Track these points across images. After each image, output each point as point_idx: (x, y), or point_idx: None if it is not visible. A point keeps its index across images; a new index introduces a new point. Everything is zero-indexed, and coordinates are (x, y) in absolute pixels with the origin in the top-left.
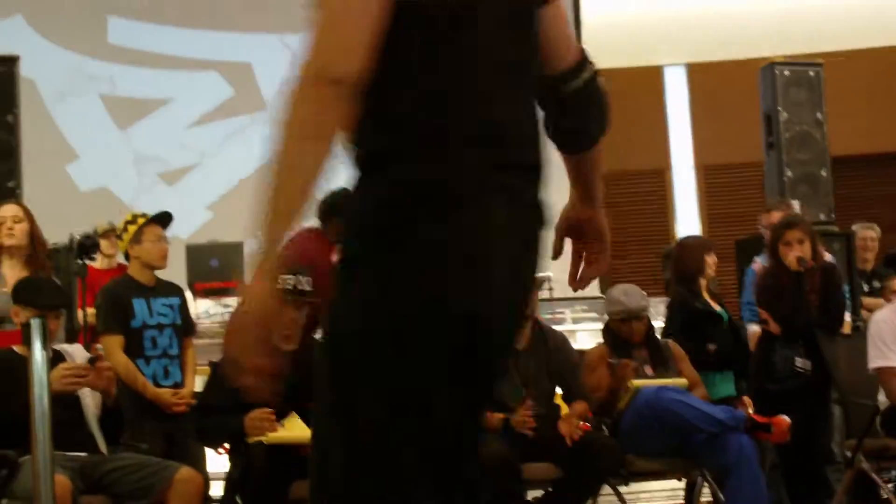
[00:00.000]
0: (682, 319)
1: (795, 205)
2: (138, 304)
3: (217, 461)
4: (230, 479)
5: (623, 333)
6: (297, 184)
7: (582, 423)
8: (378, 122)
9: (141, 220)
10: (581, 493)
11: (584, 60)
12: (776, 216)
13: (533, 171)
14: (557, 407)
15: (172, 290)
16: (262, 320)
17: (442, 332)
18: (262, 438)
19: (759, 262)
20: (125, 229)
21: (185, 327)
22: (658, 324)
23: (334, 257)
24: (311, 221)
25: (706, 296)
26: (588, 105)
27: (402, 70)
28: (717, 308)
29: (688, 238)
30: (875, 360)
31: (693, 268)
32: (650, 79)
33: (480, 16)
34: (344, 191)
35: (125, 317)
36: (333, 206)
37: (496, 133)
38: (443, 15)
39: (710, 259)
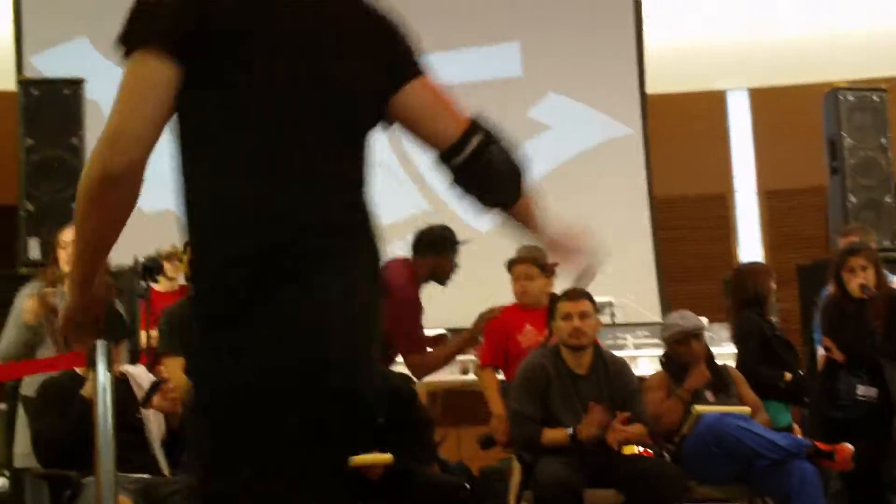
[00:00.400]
0: (757, 346)
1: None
2: None
3: None
4: None
5: (682, 354)
6: (84, 256)
7: (643, 449)
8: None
9: None
10: None
11: (469, 131)
12: (853, 240)
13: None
14: None
15: None
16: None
17: (284, 398)
18: None
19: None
20: (185, 252)
21: None
22: (718, 350)
23: (415, 291)
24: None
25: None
26: (484, 175)
27: (193, 158)
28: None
29: (748, 263)
30: None
31: (759, 293)
32: (713, 104)
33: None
34: (442, 228)
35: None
36: (429, 242)
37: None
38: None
39: (772, 285)
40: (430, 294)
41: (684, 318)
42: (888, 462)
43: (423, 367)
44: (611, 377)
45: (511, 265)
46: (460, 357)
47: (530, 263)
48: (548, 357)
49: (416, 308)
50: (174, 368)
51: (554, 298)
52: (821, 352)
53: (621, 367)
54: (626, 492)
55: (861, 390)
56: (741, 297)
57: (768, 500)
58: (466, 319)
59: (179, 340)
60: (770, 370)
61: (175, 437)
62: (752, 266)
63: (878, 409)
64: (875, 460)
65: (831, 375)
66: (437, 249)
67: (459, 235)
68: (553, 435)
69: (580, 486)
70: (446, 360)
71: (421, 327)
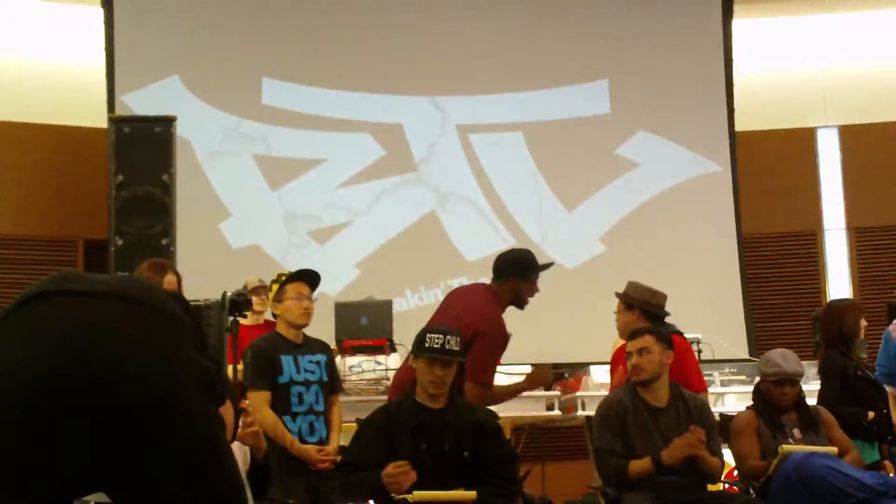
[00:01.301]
0: (838, 385)
1: None
2: (286, 361)
3: None
4: None
5: (774, 396)
6: None
7: (729, 486)
8: None
9: (282, 278)
10: None
11: None
12: None
13: None
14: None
15: (319, 347)
16: None
17: None
18: (409, 497)
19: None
20: (271, 287)
21: (332, 384)
22: (808, 388)
23: (502, 320)
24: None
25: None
26: None
27: None
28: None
29: (837, 300)
30: None
31: (845, 330)
32: (802, 141)
33: None
34: (522, 251)
35: (273, 373)
36: (510, 265)
37: None
38: None
39: (863, 323)
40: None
41: (786, 360)
42: None
43: (478, 400)
44: (689, 410)
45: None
46: (546, 393)
47: (620, 299)
48: (625, 394)
49: (501, 339)
50: (259, 403)
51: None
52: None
53: (701, 402)
54: None
55: None
56: (827, 334)
57: None
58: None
59: (266, 373)
60: (852, 409)
61: (258, 469)
62: (840, 303)
63: None
64: None
65: None
66: (518, 273)
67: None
68: (639, 466)
69: None
70: (501, 399)
71: (497, 360)
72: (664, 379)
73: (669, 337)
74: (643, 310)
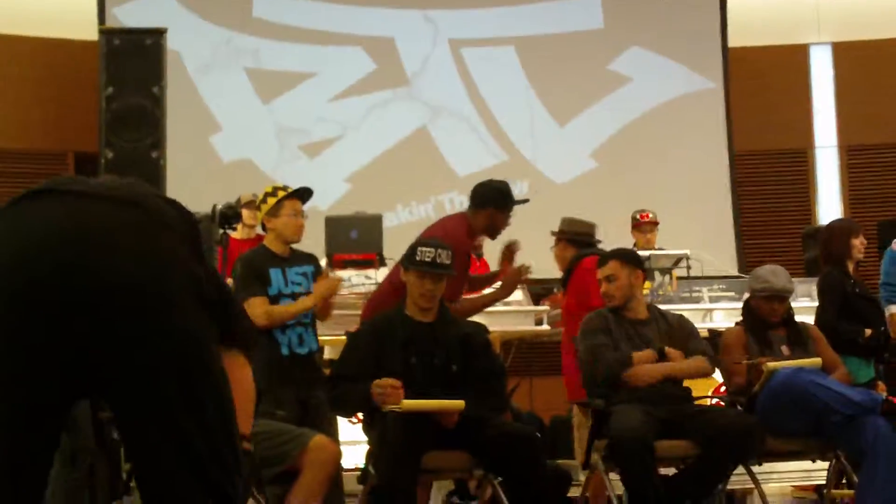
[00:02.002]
0: (837, 302)
1: None
2: (274, 273)
3: (352, 431)
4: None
5: (763, 312)
6: None
7: (717, 401)
8: None
9: (281, 193)
10: (722, 473)
11: None
12: None
13: None
14: (689, 389)
15: (307, 258)
16: None
17: None
18: (396, 407)
19: None
20: (264, 200)
21: None
22: (797, 305)
23: (468, 244)
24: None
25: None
26: None
27: None
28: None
29: (836, 221)
30: None
31: (843, 250)
32: (795, 58)
33: None
34: (499, 183)
35: (263, 283)
36: (486, 196)
37: None
38: None
39: (858, 242)
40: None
41: (776, 276)
42: None
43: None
44: (670, 323)
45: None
46: (535, 308)
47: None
48: (607, 311)
49: (464, 257)
50: (258, 305)
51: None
52: (891, 308)
53: (677, 315)
54: (702, 443)
55: None
56: (826, 253)
57: (841, 454)
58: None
59: (257, 282)
60: (850, 326)
61: None
62: (840, 224)
63: None
64: None
65: None
66: (494, 203)
67: (517, 193)
68: (642, 355)
69: (652, 437)
70: (474, 311)
71: (462, 278)
72: (639, 297)
73: (636, 257)
74: (569, 240)
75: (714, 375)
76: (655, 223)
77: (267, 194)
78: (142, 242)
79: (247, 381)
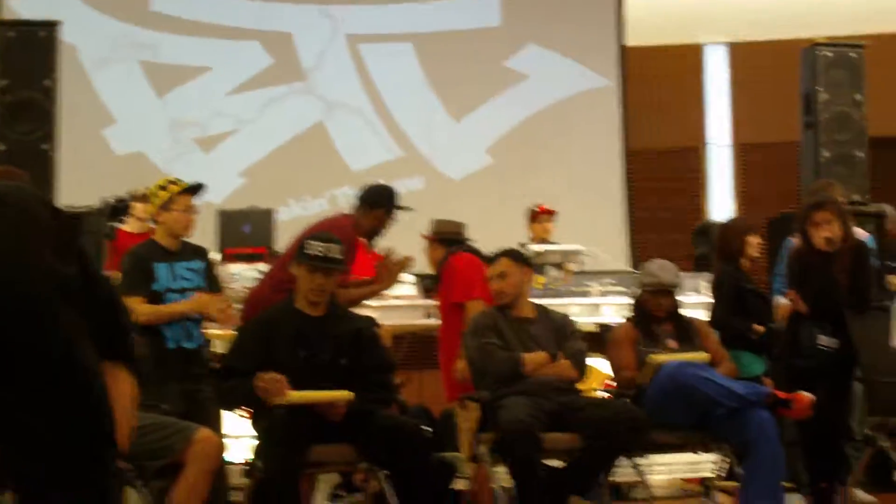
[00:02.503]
0: (731, 298)
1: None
2: (161, 269)
3: (241, 425)
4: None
5: (650, 306)
6: None
7: (608, 395)
8: None
9: (173, 188)
10: (604, 464)
11: None
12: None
13: None
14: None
15: (196, 253)
16: None
17: None
18: (282, 400)
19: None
20: (156, 194)
21: (209, 290)
22: (685, 300)
23: (352, 233)
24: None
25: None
26: None
27: None
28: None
29: (733, 219)
30: None
31: (739, 247)
32: (691, 57)
33: None
34: (384, 187)
35: (147, 280)
36: (368, 198)
37: None
38: None
39: (755, 240)
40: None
41: (664, 271)
42: (845, 411)
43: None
44: (554, 321)
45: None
46: (427, 302)
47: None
48: (495, 310)
49: (353, 257)
50: (136, 304)
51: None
52: (781, 301)
53: (561, 315)
54: (587, 435)
55: (823, 340)
56: (721, 250)
57: (726, 447)
58: None
59: (142, 279)
60: (742, 322)
61: None
62: (739, 224)
63: (840, 359)
64: (834, 409)
65: (795, 326)
66: (377, 205)
67: (402, 200)
68: (532, 357)
69: (540, 430)
70: (355, 300)
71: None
72: (527, 296)
73: (525, 256)
74: (438, 240)
75: (605, 370)
76: (552, 213)
77: (159, 187)
78: (5, 242)
79: (126, 397)
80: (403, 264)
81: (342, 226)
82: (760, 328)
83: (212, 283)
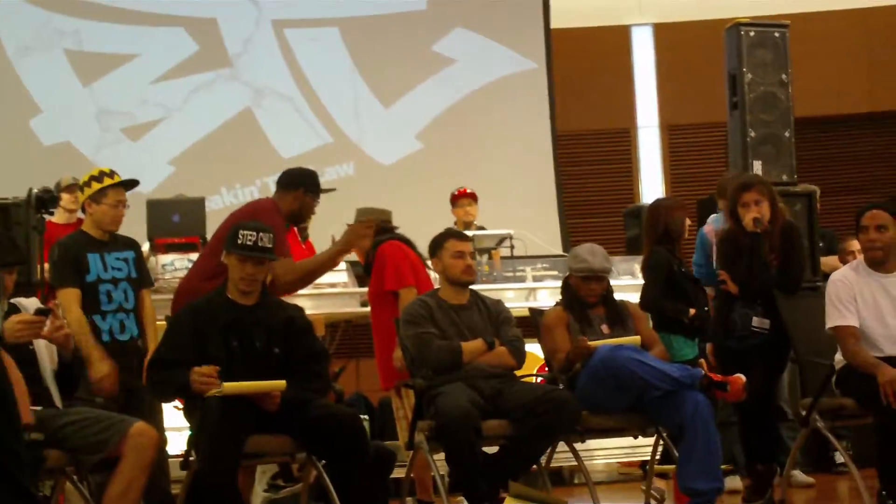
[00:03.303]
0: (662, 281)
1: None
2: (92, 259)
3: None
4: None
5: (581, 292)
6: None
7: (542, 379)
8: None
9: (107, 181)
10: (536, 448)
11: None
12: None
13: None
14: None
15: (127, 244)
16: None
17: None
18: (217, 391)
19: (711, 225)
20: (88, 184)
21: (141, 280)
22: (617, 283)
23: (278, 220)
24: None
25: None
26: None
27: None
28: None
29: (663, 199)
30: (832, 320)
31: (671, 229)
32: (617, 38)
33: None
34: (304, 169)
35: (79, 271)
36: (287, 179)
37: None
38: None
39: (681, 215)
40: None
41: (594, 256)
42: (779, 392)
43: (293, 273)
44: (488, 307)
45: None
46: (360, 290)
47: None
48: (428, 296)
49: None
50: (69, 300)
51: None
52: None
53: (495, 300)
54: (515, 419)
55: (755, 322)
56: (653, 231)
57: (661, 429)
58: None
59: (73, 270)
60: (674, 305)
61: (66, 368)
62: (667, 202)
63: (772, 340)
64: (768, 391)
65: (727, 307)
66: (307, 184)
67: (324, 183)
68: (471, 346)
69: (478, 416)
70: (320, 269)
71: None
72: None
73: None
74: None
75: (538, 353)
76: (474, 196)
77: (92, 178)
78: None
79: (18, 376)
80: (368, 226)
81: (265, 208)
82: (692, 311)
83: (142, 274)
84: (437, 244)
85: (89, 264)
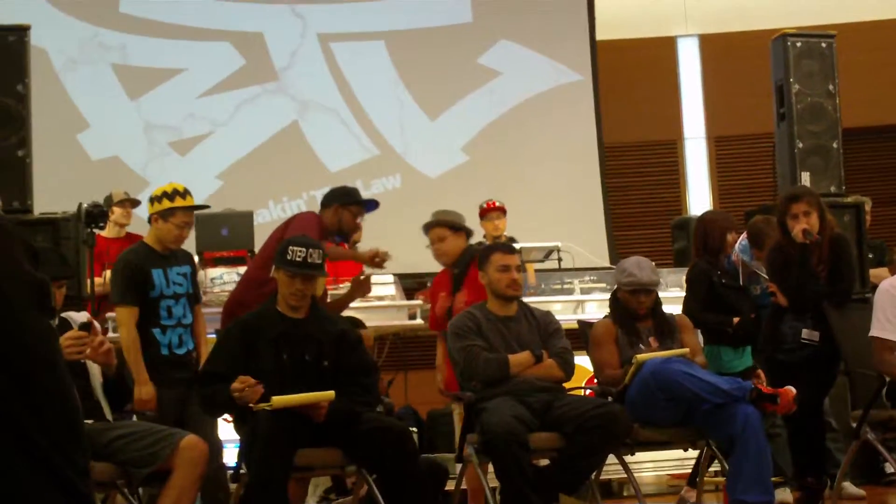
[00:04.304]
0: (702, 293)
1: (805, 177)
2: (156, 274)
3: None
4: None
5: (630, 305)
6: None
7: (590, 392)
8: None
9: (179, 201)
10: (588, 463)
11: None
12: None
13: None
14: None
15: (184, 258)
16: None
17: None
18: (266, 405)
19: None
20: (159, 199)
21: (196, 295)
22: (666, 295)
23: (318, 232)
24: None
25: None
26: None
27: None
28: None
29: (709, 212)
30: (875, 329)
31: (716, 242)
32: (663, 50)
33: None
34: (346, 186)
35: (144, 287)
36: (330, 195)
37: None
38: None
39: (731, 237)
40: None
41: (641, 269)
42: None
43: None
44: (537, 318)
45: (426, 230)
46: (409, 302)
47: (442, 226)
48: (476, 309)
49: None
50: (126, 318)
51: (478, 253)
52: None
53: (544, 312)
54: (568, 432)
55: (805, 334)
56: (697, 244)
57: (712, 442)
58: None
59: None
60: (716, 316)
61: (114, 383)
62: (708, 215)
63: (822, 352)
64: (818, 403)
65: (776, 319)
66: (340, 197)
67: (370, 196)
68: (518, 358)
69: (525, 431)
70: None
71: None
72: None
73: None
74: (465, 229)
75: (586, 366)
76: (503, 210)
77: (164, 194)
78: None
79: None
80: (368, 283)
81: (303, 218)
82: (735, 319)
83: (196, 289)
84: (483, 257)
85: (154, 280)
